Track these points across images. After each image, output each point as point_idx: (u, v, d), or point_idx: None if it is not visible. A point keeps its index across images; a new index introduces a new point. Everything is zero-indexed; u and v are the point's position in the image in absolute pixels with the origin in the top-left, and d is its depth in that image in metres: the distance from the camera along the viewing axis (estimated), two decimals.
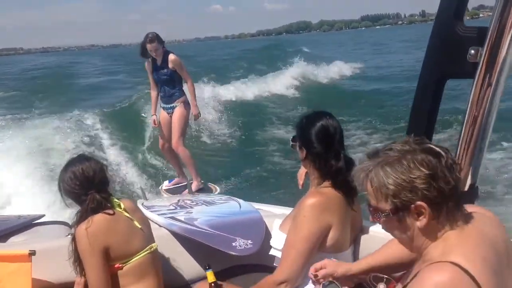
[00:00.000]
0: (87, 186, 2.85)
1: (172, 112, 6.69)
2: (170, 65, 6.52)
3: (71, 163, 2.95)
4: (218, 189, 7.11)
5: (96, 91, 24.31)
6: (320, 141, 2.64)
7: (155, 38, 6.45)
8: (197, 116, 6.81)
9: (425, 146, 1.68)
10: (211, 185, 7.28)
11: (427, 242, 1.69)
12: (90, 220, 2.81)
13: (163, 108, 6.79)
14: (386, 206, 1.67)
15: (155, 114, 6.92)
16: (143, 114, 12.52)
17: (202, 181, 7.07)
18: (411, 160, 1.63)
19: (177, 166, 7.20)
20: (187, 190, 6.76)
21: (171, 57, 6.53)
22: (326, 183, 2.69)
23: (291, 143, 2.82)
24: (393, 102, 17.00)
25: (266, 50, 40.11)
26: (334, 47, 57.00)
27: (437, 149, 1.67)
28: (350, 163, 2.66)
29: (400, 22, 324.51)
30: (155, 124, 6.97)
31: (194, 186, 6.85)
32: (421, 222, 1.65)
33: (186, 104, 6.70)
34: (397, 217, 1.67)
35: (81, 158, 2.99)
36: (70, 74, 34.54)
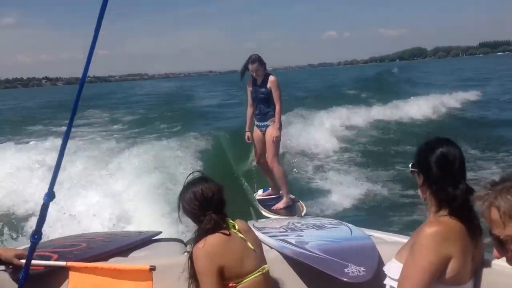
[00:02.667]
0: (206, 207, 2.95)
1: (265, 130, 7.05)
2: (268, 85, 6.85)
3: (191, 183, 3.06)
4: (305, 209, 7.26)
5: (209, 114, 25.38)
6: (438, 167, 2.57)
7: (257, 59, 6.86)
8: (276, 138, 6.98)
9: None
10: (300, 203, 7.44)
11: None
12: (207, 240, 2.90)
13: (257, 125, 7.19)
14: None
15: (249, 131, 7.34)
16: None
17: (292, 198, 7.34)
18: None
19: (271, 179, 7.55)
20: (279, 206, 7.10)
21: (271, 78, 6.88)
22: (444, 211, 2.60)
23: (410, 169, 2.76)
24: None
25: (377, 80, 39.76)
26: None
27: None
28: (469, 192, 2.55)
29: None
30: (248, 139, 7.38)
31: (283, 203, 7.16)
32: None
33: (279, 124, 7.01)
34: None
35: (201, 179, 3.09)
36: (189, 96, 36.37)
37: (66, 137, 2.48)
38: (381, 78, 41.02)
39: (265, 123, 7.03)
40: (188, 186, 3.06)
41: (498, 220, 1.64)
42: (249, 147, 11.15)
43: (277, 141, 7.01)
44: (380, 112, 20.20)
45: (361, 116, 19.00)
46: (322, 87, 39.28)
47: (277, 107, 6.91)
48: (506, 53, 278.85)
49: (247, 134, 7.37)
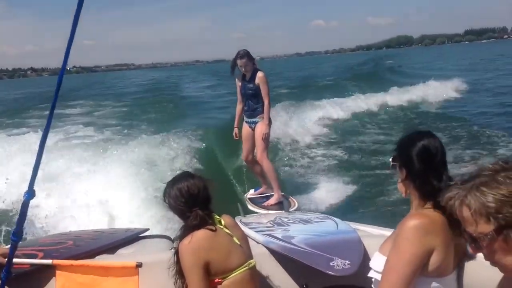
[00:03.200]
0: (192, 203, 2.96)
1: (254, 127, 6.98)
2: (256, 81, 6.79)
3: (177, 180, 3.07)
4: (297, 204, 7.21)
5: (198, 105, 25.34)
6: (421, 161, 2.54)
7: (246, 54, 6.79)
8: (265, 135, 6.93)
9: None
10: (290, 198, 7.38)
11: None
12: (193, 236, 2.91)
13: (246, 122, 7.11)
14: (488, 227, 1.60)
15: (237, 127, 7.26)
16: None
17: (282, 194, 7.22)
18: (505, 176, 1.60)
19: (261, 177, 7.42)
20: (270, 202, 7.03)
21: (259, 74, 6.81)
22: (428, 205, 2.60)
23: (391, 163, 2.72)
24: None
25: (363, 66, 39.86)
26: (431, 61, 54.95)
27: None
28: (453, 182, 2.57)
29: (505, 36, 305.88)
30: (236, 136, 7.31)
31: (274, 199, 7.05)
32: None
33: (269, 120, 6.95)
34: (502, 236, 1.60)
35: (186, 176, 3.10)
36: (177, 86, 36.25)
37: (45, 133, 2.43)
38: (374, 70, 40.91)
39: (254, 119, 6.98)
40: (173, 183, 3.06)
41: (470, 218, 1.66)
42: (238, 143, 11.19)
43: (266, 137, 6.96)
44: (370, 102, 20.30)
45: (350, 108, 19.06)
46: (307, 77, 39.25)
47: (266, 103, 6.88)
48: (491, 40, 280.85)
49: (235, 130, 7.30)
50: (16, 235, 2.57)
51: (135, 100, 29.42)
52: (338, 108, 18.66)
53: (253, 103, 6.94)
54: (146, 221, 7.20)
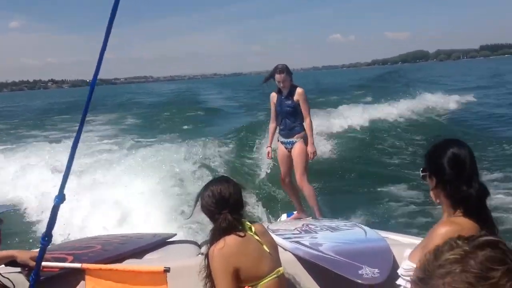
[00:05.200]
0: (222, 205, 2.97)
1: (291, 148, 6.44)
2: (295, 98, 6.33)
3: (212, 182, 3.12)
4: None
5: (216, 116, 25.44)
6: (451, 168, 2.54)
7: (285, 69, 6.29)
8: (313, 155, 6.45)
9: (477, 241, 1.30)
10: None
11: None
12: (222, 241, 2.91)
13: (282, 142, 6.54)
14: None
15: (271, 147, 6.79)
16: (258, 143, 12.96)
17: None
18: (478, 263, 1.24)
19: (297, 201, 6.86)
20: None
21: (299, 90, 6.34)
22: (459, 212, 2.58)
23: (421, 173, 2.72)
24: None
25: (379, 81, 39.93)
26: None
27: (490, 238, 1.31)
28: (484, 189, 2.55)
29: None
30: (269, 156, 6.88)
31: None
32: None
33: (306, 140, 6.43)
34: None
35: (222, 179, 3.14)
36: (193, 100, 36.49)
37: (76, 140, 2.49)
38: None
39: (291, 139, 6.42)
40: (208, 184, 3.11)
41: None
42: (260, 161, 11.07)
43: (306, 158, 6.40)
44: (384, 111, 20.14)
45: (377, 115, 18.96)
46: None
47: (308, 121, 6.36)
48: (505, 56, 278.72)
49: (268, 149, 6.81)
50: (45, 239, 2.60)
51: (156, 112, 29.62)
52: (350, 118, 18.23)
53: (291, 122, 6.41)
54: (173, 228, 7.10)
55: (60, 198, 2.91)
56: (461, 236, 1.35)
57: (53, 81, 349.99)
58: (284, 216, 7.16)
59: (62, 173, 2.57)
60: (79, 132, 2.47)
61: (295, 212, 6.93)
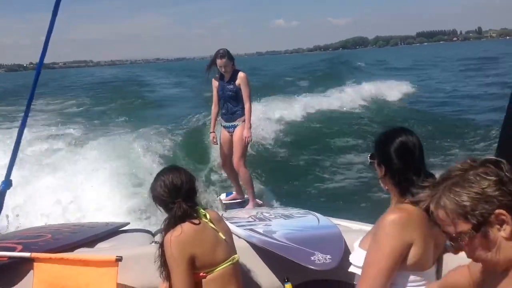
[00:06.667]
0: (175, 194, 2.98)
1: (233, 131, 6.54)
2: (237, 82, 6.40)
3: (162, 172, 3.12)
4: None
5: (162, 105, 25.09)
6: (400, 157, 2.59)
7: (226, 54, 6.35)
8: (248, 139, 6.53)
9: (481, 159, 1.71)
10: (265, 205, 7.09)
11: None
12: (179, 228, 2.92)
13: (224, 126, 6.65)
14: (467, 226, 1.65)
15: (214, 132, 6.84)
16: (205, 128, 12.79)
17: (259, 202, 6.94)
18: (475, 174, 1.65)
19: (236, 184, 7.07)
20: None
21: (241, 74, 6.41)
22: (407, 200, 2.66)
23: (369, 160, 2.76)
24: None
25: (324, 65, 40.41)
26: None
27: (493, 158, 1.71)
28: (431, 177, 2.62)
29: (455, 39, 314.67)
30: (214, 141, 6.90)
31: (250, 207, 6.69)
32: (505, 230, 1.63)
33: (249, 123, 6.54)
34: (481, 233, 1.65)
35: (172, 168, 3.15)
36: (137, 86, 35.80)
37: (23, 125, 2.44)
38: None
39: (233, 123, 6.51)
40: (159, 174, 3.11)
41: (447, 219, 1.71)
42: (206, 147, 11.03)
43: (246, 143, 6.52)
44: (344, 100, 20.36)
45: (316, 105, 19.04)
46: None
47: (247, 106, 6.42)
48: (441, 42, 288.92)
49: (212, 135, 6.83)
50: None
51: (98, 98, 28.88)
52: (297, 107, 18.33)
53: (232, 106, 6.50)
54: (125, 216, 7.04)
55: (6, 184, 2.82)
56: (472, 157, 1.74)
57: None
58: (223, 196, 7.39)
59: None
60: (25, 117, 2.42)
61: (234, 192, 7.17)
